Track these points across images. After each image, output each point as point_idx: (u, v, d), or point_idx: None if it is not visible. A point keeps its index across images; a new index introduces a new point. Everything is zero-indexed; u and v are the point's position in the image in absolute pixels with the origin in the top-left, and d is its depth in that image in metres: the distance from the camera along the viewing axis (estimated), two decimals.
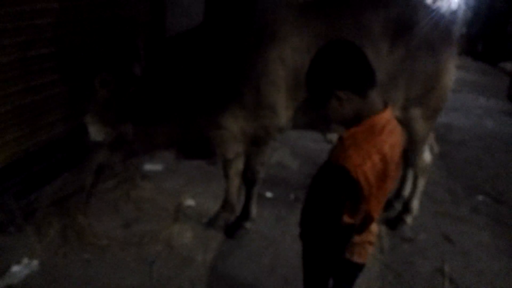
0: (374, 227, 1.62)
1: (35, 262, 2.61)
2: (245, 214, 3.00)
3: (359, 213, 1.42)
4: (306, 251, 1.73)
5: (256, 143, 2.69)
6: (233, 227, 3.01)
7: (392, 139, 1.40)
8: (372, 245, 1.66)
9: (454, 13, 14.31)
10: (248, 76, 2.49)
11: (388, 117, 1.42)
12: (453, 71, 2.82)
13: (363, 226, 1.52)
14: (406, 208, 3.21)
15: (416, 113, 2.80)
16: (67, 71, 3.20)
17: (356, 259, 1.62)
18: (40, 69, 3.06)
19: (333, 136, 3.01)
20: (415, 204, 3.21)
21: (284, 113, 2.62)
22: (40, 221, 2.92)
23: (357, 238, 1.55)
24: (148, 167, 3.82)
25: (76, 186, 3.14)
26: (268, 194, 3.56)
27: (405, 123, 2.86)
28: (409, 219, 3.19)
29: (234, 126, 2.63)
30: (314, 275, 1.70)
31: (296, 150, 4.44)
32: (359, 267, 1.68)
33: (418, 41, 2.60)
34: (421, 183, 3.19)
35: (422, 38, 2.60)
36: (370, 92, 1.40)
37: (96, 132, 2.43)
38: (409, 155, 3.15)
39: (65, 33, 3.20)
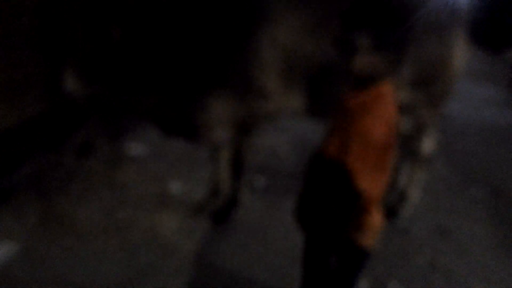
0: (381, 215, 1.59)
1: (14, 247, 2.53)
2: (233, 201, 2.95)
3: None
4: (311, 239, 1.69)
5: (244, 128, 2.63)
6: (221, 214, 2.94)
7: (393, 109, 1.41)
8: (379, 233, 1.62)
9: None
10: (237, 57, 2.40)
11: (389, 87, 1.41)
12: (461, 57, 2.74)
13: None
14: (402, 199, 3.16)
15: (421, 98, 2.72)
16: (47, 47, 3.09)
17: (368, 245, 1.57)
18: (20, 45, 2.92)
19: None
20: (412, 194, 3.16)
21: (273, 98, 2.54)
22: (18, 205, 2.83)
23: (369, 222, 1.51)
24: (133, 150, 3.72)
25: (57, 168, 3.03)
26: (258, 181, 3.48)
27: (410, 109, 2.78)
28: (405, 210, 3.14)
29: (221, 111, 2.55)
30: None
31: (290, 138, 4.36)
32: (369, 254, 1.63)
33: (424, 24, 2.51)
34: (419, 174, 3.12)
35: (428, 21, 2.51)
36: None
37: (72, 84, 2.37)
38: (411, 143, 3.10)
39: (47, 6, 3.06)
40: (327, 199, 1.50)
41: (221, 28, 2.38)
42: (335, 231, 1.55)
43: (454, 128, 5.29)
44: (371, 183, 1.42)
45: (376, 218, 1.54)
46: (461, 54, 2.74)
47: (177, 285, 2.38)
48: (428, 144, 3.01)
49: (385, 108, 1.39)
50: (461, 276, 2.64)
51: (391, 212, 3.11)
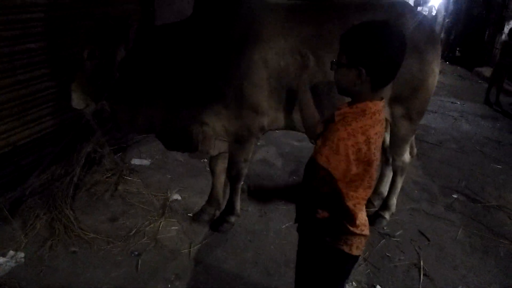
0: (366, 222, 1.66)
1: (21, 255, 2.64)
2: (230, 209, 3.07)
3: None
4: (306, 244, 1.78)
5: (239, 141, 2.74)
6: (218, 221, 3.08)
7: (378, 128, 1.49)
8: (366, 239, 1.69)
9: (434, 18, 14.71)
10: (231, 76, 2.53)
11: (380, 107, 1.50)
12: (437, 73, 2.90)
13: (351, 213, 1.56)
14: (385, 205, 3.33)
15: (400, 113, 2.89)
16: (55, 66, 3.23)
17: (355, 251, 1.63)
18: (29, 63, 3.07)
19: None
20: (393, 201, 3.32)
21: (267, 114, 2.67)
22: (26, 214, 2.94)
23: (355, 230, 1.58)
24: (136, 161, 3.86)
25: (63, 179, 3.15)
26: (252, 189, 3.64)
27: (390, 123, 2.97)
28: (387, 216, 3.30)
29: (216, 124, 2.68)
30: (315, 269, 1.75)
31: (281, 149, 4.54)
32: (356, 259, 1.71)
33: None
34: (400, 181, 3.29)
35: (407, 40, 2.69)
36: (383, 89, 1.52)
37: (77, 100, 2.49)
38: (390, 154, 3.28)
39: (54, 28, 3.22)
40: (311, 199, 1.60)
41: (216, 50, 2.53)
42: (319, 230, 1.61)
43: (433, 138, 5.52)
44: (351, 191, 1.49)
45: (360, 226, 1.62)
46: (437, 72, 2.92)
47: None
48: (407, 155, 3.19)
49: (365, 123, 1.44)
50: (442, 278, 2.80)
51: (375, 218, 3.29)
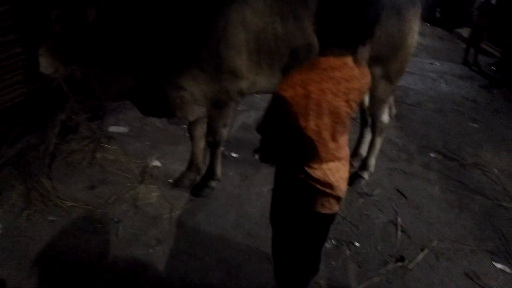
0: (342, 184, 1.65)
1: None
2: (211, 173, 3.07)
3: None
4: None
5: (217, 105, 2.70)
6: (199, 186, 3.09)
7: (328, 85, 1.43)
8: (339, 202, 1.68)
9: None
10: (208, 38, 2.46)
11: (334, 64, 1.45)
12: (417, 33, 2.89)
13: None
14: (364, 165, 3.38)
15: (379, 73, 2.89)
16: (24, 31, 3.09)
17: (320, 209, 1.64)
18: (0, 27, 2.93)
19: None
20: (372, 161, 3.38)
21: (246, 77, 2.63)
22: (1, 184, 2.89)
23: (318, 188, 1.59)
24: (113, 129, 3.79)
25: (39, 148, 3.08)
26: (233, 154, 3.65)
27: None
28: (366, 175, 3.37)
29: (194, 89, 2.63)
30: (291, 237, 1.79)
31: (261, 113, 4.49)
32: (327, 218, 1.71)
33: (383, 3, 2.65)
34: (378, 142, 3.33)
35: (387, 1, 2.65)
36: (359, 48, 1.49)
37: (46, 65, 2.42)
38: (369, 115, 3.30)
39: None
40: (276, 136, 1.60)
41: (192, 11, 2.45)
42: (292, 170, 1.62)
43: (411, 99, 5.58)
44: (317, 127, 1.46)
45: (338, 191, 1.62)
46: (416, 32, 2.90)
47: (159, 253, 2.52)
48: (386, 115, 3.22)
49: (308, 77, 1.43)
50: (419, 234, 2.88)
51: (354, 178, 3.34)
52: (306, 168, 1.57)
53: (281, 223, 1.84)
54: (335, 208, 1.68)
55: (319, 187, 1.59)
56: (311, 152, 1.52)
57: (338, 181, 1.62)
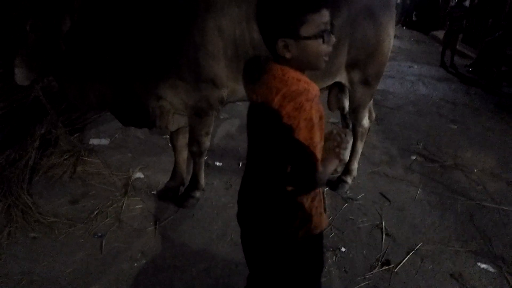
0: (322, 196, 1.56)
1: None
2: (194, 183, 3.05)
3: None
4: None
5: (198, 114, 2.68)
6: (183, 197, 3.06)
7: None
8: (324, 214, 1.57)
9: None
10: (185, 48, 2.45)
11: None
12: (392, 37, 2.94)
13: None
14: (347, 170, 3.40)
15: (357, 78, 2.92)
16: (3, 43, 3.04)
17: (318, 229, 1.51)
18: None
19: None
20: (355, 166, 3.40)
21: (225, 85, 2.62)
22: None
23: (311, 206, 1.47)
24: (94, 141, 3.74)
25: (18, 164, 3.02)
26: (217, 163, 3.64)
27: (348, 88, 3.00)
28: (349, 180, 3.39)
29: (174, 98, 2.61)
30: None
31: (245, 121, 4.50)
32: (321, 235, 1.59)
33: (358, 7, 2.70)
34: (360, 146, 3.37)
35: (362, 5, 2.70)
36: None
37: (22, 76, 2.37)
38: (349, 120, 3.33)
39: None
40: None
41: (168, 19, 2.44)
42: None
43: (391, 103, 5.66)
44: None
45: (323, 205, 1.52)
46: (392, 35, 2.96)
47: (144, 266, 2.48)
48: (366, 120, 3.26)
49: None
50: (404, 237, 2.90)
51: (337, 183, 3.37)
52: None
53: (277, 255, 1.55)
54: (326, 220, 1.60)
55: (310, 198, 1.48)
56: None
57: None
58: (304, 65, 1.34)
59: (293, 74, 1.33)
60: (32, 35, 2.30)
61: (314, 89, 1.34)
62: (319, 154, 1.36)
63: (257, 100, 1.40)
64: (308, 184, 1.41)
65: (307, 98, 1.30)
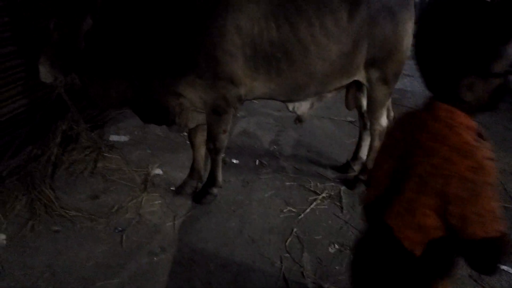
0: None
1: (2, 236, 2.61)
2: (212, 180, 3.08)
3: None
4: None
5: (217, 112, 2.71)
6: (200, 193, 3.10)
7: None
8: None
9: None
10: (204, 45, 2.48)
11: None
12: (411, 35, 2.91)
13: None
14: (364, 169, 3.38)
15: (376, 76, 2.92)
16: (23, 42, 3.11)
17: None
18: None
19: (296, 106, 3.11)
20: (371, 165, 3.36)
21: (243, 83, 2.65)
22: (5, 196, 2.89)
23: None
24: (114, 138, 3.81)
25: (40, 159, 3.09)
26: (234, 161, 3.66)
27: (366, 86, 3.00)
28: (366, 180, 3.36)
29: (193, 95, 2.64)
30: None
31: (261, 119, 4.54)
32: None
33: (377, 6, 2.69)
34: (378, 145, 3.34)
35: (381, 3, 2.70)
36: None
37: (45, 74, 2.44)
38: (367, 119, 3.32)
39: (17, 2, 3.08)
40: None
41: (188, 18, 2.47)
42: None
43: (409, 102, 5.61)
44: None
45: None
46: (411, 33, 2.92)
47: (163, 261, 2.53)
48: (384, 119, 3.23)
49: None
50: None
51: (355, 182, 3.37)
52: None
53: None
54: None
55: None
56: None
57: None
58: (480, 107, 1.11)
59: (463, 119, 1.08)
60: (55, 34, 2.37)
61: (488, 144, 1.10)
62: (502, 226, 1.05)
63: (406, 138, 1.15)
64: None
65: (486, 156, 1.03)
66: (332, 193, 3.29)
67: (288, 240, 2.75)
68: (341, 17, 2.63)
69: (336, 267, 2.57)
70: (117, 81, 2.60)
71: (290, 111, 3.18)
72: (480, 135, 1.11)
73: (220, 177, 3.10)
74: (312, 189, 3.33)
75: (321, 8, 2.59)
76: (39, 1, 3.18)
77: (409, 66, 7.17)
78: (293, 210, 3.06)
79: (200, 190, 3.12)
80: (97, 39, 2.44)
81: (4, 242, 2.58)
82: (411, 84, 6.38)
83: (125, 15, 2.51)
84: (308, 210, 3.06)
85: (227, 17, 2.46)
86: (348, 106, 3.39)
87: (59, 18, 2.33)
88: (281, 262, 2.57)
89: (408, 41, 2.91)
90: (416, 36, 1.13)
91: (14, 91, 3.18)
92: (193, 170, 3.19)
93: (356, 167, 3.55)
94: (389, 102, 3.29)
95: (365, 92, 3.16)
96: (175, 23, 2.49)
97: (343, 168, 3.62)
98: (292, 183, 3.40)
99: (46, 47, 2.41)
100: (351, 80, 2.95)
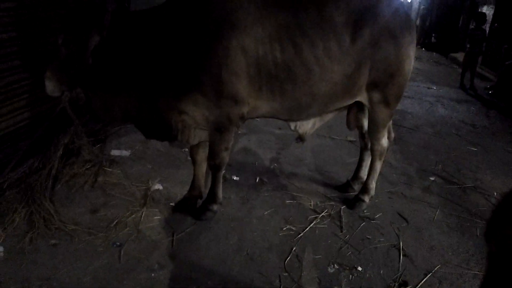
0: None
1: (0, 249, 2.58)
2: (212, 197, 3.07)
3: None
4: None
5: (219, 130, 2.72)
6: (200, 210, 3.09)
7: None
8: None
9: (409, 5, 14.89)
10: (209, 64, 2.51)
11: None
12: (412, 58, 2.96)
13: None
14: (364, 189, 3.38)
15: (377, 98, 2.95)
16: (28, 57, 3.15)
17: None
18: (1, 55, 2.99)
19: (298, 125, 3.13)
20: (372, 185, 3.38)
21: (246, 102, 2.67)
22: (4, 208, 2.88)
23: None
24: (116, 152, 3.82)
25: (41, 172, 3.09)
26: (234, 178, 3.66)
27: (368, 107, 3.02)
28: (366, 199, 3.37)
29: (196, 113, 2.66)
30: None
31: (262, 137, 4.56)
32: None
33: (380, 29, 2.74)
34: (378, 166, 3.35)
35: (383, 26, 2.74)
36: None
37: (52, 88, 2.48)
38: (368, 139, 3.34)
39: (24, 17, 3.13)
40: None
41: (192, 37, 2.52)
42: None
43: (410, 123, 5.65)
44: None
45: None
46: (412, 57, 2.99)
47: (161, 277, 2.50)
48: (385, 139, 3.25)
49: None
50: (422, 258, 2.87)
51: (355, 202, 3.36)
52: None
53: None
54: None
55: None
56: None
57: None
58: None
59: None
60: (63, 49, 2.41)
61: None
62: None
63: None
64: None
65: None
66: (332, 212, 3.28)
67: (287, 259, 2.73)
68: (344, 39, 2.67)
69: None
70: (121, 97, 2.63)
71: (292, 130, 3.20)
72: None
73: (220, 194, 3.10)
74: (312, 208, 3.33)
75: (325, 30, 2.63)
76: (46, 18, 3.23)
77: (410, 88, 7.28)
78: (293, 228, 3.05)
79: (200, 207, 3.11)
80: (103, 56, 2.48)
81: (2, 254, 2.56)
82: (412, 106, 6.46)
83: (132, 34, 2.55)
84: (307, 229, 3.05)
85: (232, 38, 2.50)
86: (349, 126, 3.41)
87: (67, 34, 2.37)
88: (280, 282, 2.54)
89: (409, 64, 2.95)
90: None
91: (17, 104, 3.21)
92: (194, 186, 3.19)
93: (356, 187, 3.56)
94: (390, 123, 3.31)
95: (366, 112, 3.19)
96: (181, 43, 2.53)
97: (344, 187, 3.63)
98: (292, 201, 3.40)
99: (53, 61, 2.45)
100: (353, 101, 2.98)
